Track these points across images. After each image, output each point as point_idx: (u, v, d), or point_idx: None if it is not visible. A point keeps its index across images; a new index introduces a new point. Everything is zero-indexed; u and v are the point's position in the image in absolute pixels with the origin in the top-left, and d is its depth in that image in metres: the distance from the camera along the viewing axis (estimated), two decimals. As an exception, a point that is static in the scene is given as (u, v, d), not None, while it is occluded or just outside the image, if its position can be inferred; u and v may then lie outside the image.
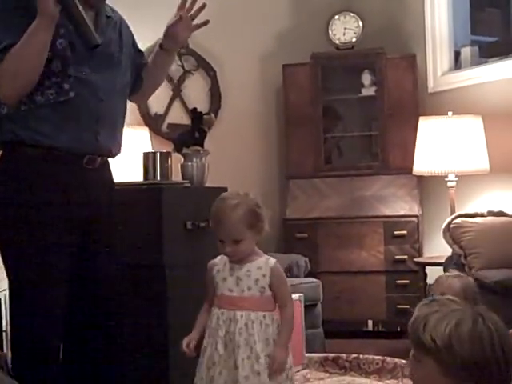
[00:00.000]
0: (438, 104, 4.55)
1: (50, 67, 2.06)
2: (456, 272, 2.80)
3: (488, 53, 4.73)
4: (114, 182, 2.39)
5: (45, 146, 2.09)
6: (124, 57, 2.30)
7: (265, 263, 2.18)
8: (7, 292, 3.44)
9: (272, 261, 2.19)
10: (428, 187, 4.64)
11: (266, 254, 2.24)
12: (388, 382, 3.41)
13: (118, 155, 2.36)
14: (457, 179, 4.10)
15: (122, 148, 2.37)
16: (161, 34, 2.49)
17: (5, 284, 3.42)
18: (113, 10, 2.33)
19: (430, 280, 3.97)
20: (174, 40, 2.46)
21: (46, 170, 2.10)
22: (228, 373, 2.10)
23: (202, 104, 4.51)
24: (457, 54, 4.77)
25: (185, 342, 2.17)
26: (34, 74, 2.03)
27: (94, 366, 2.26)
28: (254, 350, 2.10)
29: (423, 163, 4.14)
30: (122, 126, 2.35)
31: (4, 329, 3.40)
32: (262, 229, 2.17)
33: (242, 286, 2.15)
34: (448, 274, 2.75)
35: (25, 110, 2.06)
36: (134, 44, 2.43)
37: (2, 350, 3.18)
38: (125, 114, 2.36)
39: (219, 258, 2.23)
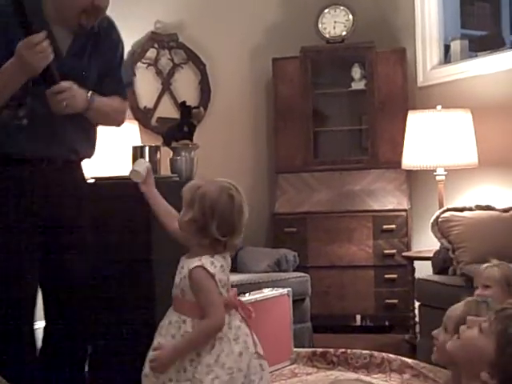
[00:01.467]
0: (428, 98, 4.55)
1: None
2: (495, 261, 2.69)
3: (478, 46, 4.73)
4: (84, 179, 2.45)
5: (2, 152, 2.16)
6: (90, 75, 2.32)
7: (191, 263, 2.03)
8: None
9: (194, 264, 2.01)
10: (417, 181, 4.64)
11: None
12: (376, 376, 3.42)
13: (88, 158, 2.44)
14: (446, 173, 4.10)
15: (93, 151, 2.46)
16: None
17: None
18: (108, 27, 2.34)
19: (418, 274, 3.98)
20: None
21: (5, 172, 2.17)
22: None
23: (191, 98, 4.49)
24: (446, 48, 4.77)
25: None
26: None
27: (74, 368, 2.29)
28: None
29: (412, 157, 4.14)
30: (85, 133, 2.39)
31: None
32: None
33: (176, 283, 2.10)
34: (486, 264, 2.68)
35: None
36: (110, 68, 2.42)
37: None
38: (89, 121, 2.37)
39: None
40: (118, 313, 2.63)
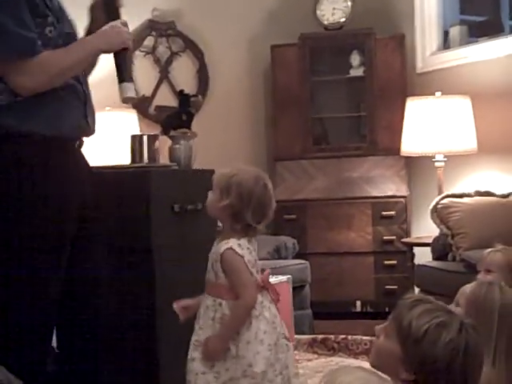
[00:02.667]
0: (427, 84, 4.54)
1: None
2: (500, 245, 2.62)
3: (477, 32, 4.72)
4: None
5: (44, 135, 2.06)
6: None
7: (221, 247, 2.11)
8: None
9: (224, 246, 2.09)
10: (416, 168, 4.64)
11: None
12: (376, 362, 3.44)
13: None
14: (445, 159, 4.10)
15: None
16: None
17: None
18: None
19: (417, 260, 3.99)
20: None
21: (46, 159, 2.06)
22: None
23: (189, 86, 4.48)
24: (446, 34, 4.75)
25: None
26: (68, 77, 2.10)
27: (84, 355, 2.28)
28: (198, 335, 2.12)
29: (411, 144, 4.14)
30: None
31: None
32: None
33: (208, 267, 2.17)
34: (490, 248, 2.61)
35: (20, 100, 2.03)
36: None
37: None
38: None
39: None
40: (119, 302, 2.64)
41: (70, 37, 2.16)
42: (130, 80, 2.23)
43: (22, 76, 2.00)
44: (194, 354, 2.10)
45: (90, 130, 2.23)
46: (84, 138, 2.25)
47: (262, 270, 2.20)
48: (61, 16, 2.16)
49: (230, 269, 2.08)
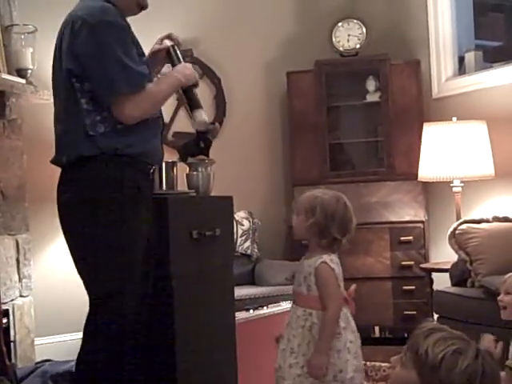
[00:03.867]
0: (443, 109, 4.55)
1: None
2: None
3: (492, 57, 4.72)
4: None
5: (133, 154, 2.35)
6: None
7: (314, 261, 2.33)
8: (16, 301, 3.48)
9: (321, 260, 2.32)
10: (434, 193, 4.64)
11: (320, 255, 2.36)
12: (395, 389, 3.41)
13: None
14: (462, 185, 4.10)
15: None
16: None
17: (13, 294, 3.45)
18: None
19: (436, 286, 3.97)
20: None
21: (129, 173, 2.34)
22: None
23: (206, 112, 4.51)
24: (461, 59, 4.76)
25: None
26: (159, 107, 2.50)
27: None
28: (292, 343, 2.31)
29: (428, 169, 4.14)
30: None
31: (12, 339, 3.42)
32: None
33: (296, 281, 2.38)
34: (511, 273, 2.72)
35: (121, 127, 2.32)
36: None
37: (10, 361, 3.20)
38: None
39: None
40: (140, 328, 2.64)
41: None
42: (201, 107, 2.64)
43: (132, 106, 2.28)
44: (290, 360, 2.30)
45: (163, 158, 2.58)
46: None
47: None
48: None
49: (322, 281, 2.30)
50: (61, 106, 2.38)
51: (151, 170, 2.49)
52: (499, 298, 2.62)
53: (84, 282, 2.33)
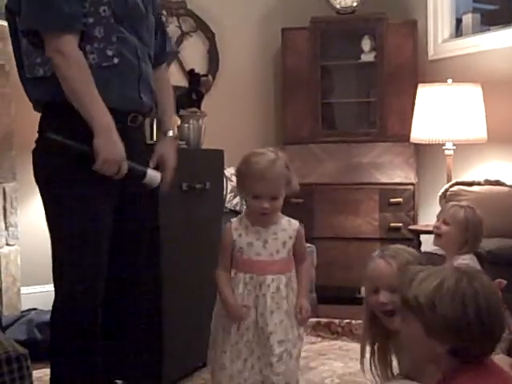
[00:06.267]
0: (438, 71, 4.51)
1: (93, 33, 2.07)
2: (465, 203, 2.73)
3: (489, 21, 4.67)
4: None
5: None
6: (150, 16, 2.30)
7: (288, 225, 2.21)
8: (2, 250, 3.46)
9: (294, 222, 2.23)
10: (425, 155, 4.62)
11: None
12: (380, 347, 3.44)
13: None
14: (454, 148, 4.07)
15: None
16: None
17: (0, 242, 3.43)
18: None
19: (424, 248, 3.97)
20: None
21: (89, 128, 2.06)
22: (258, 338, 2.13)
23: (199, 66, 4.44)
24: (458, 22, 4.71)
25: (237, 312, 2.13)
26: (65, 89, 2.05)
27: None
28: (288, 312, 2.15)
29: (421, 131, 4.11)
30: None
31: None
32: (291, 187, 2.17)
33: (271, 250, 2.16)
34: (455, 202, 2.72)
35: None
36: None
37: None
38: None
39: (235, 221, 2.20)
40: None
41: (127, 16, 2.14)
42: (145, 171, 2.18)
43: (50, 49, 2.02)
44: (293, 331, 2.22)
45: (142, 105, 2.21)
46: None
47: None
48: None
49: (303, 239, 2.28)
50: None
51: (129, 119, 2.19)
52: (436, 224, 2.63)
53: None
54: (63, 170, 2.07)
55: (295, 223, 2.23)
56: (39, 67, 2.09)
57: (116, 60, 2.10)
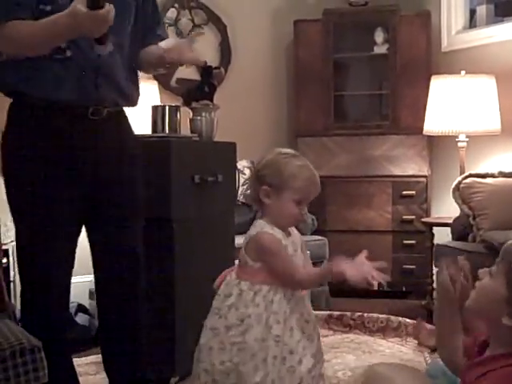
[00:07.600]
0: (451, 63, 4.48)
1: None
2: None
3: (503, 11, 4.63)
4: (131, 131, 2.33)
5: (46, 98, 2.04)
6: (120, 2, 2.10)
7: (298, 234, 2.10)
8: (15, 243, 3.47)
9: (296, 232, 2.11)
10: (438, 148, 4.60)
11: None
12: (392, 340, 3.44)
13: (134, 105, 2.32)
14: (467, 140, 4.05)
15: (139, 97, 2.34)
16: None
17: (13, 235, 3.44)
18: None
19: (437, 240, 3.96)
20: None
21: (49, 120, 2.06)
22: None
23: (211, 59, 4.44)
24: (472, 13, 4.68)
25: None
26: (32, 53, 2.00)
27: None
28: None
29: (434, 123, 4.09)
30: (131, 77, 2.28)
31: (11, 279, 3.43)
32: None
33: (301, 260, 2.05)
34: None
35: (20, 60, 2.01)
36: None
37: (10, 301, 3.20)
38: (129, 64, 2.25)
39: (268, 228, 1.98)
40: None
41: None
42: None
43: None
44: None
45: (102, 99, 2.13)
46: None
47: None
48: None
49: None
50: None
51: (90, 112, 2.11)
52: None
53: None
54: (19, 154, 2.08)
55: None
56: None
57: (69, 53, 2.02)
